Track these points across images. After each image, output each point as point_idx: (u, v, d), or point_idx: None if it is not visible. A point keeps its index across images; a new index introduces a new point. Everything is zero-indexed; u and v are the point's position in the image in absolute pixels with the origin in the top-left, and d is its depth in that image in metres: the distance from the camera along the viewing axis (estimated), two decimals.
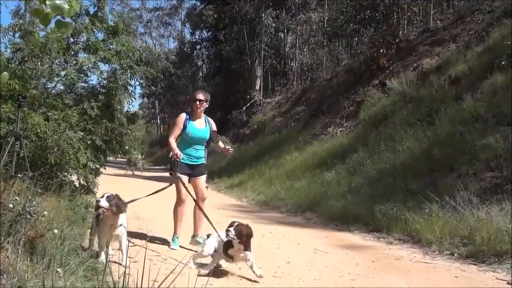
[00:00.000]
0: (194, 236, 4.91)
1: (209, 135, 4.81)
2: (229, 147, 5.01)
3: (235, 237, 3.66)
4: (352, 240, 5.88)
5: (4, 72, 2.09)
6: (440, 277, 4.06)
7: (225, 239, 3.74)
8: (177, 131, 4.73)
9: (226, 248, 3.78)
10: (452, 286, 3.83)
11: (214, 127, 4.89)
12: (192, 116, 4.77)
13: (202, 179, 4.85)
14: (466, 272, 4.22)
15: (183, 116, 4.78)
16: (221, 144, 4.96)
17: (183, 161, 4.66)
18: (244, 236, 3.68)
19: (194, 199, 4.71)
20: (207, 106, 4.83)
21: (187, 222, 5.01)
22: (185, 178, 4.69)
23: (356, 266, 4.33)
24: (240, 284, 3.68)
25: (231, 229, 3.68)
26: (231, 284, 3.65)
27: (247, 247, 3.73)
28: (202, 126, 4.80)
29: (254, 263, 3.76)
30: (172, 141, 4.68)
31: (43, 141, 5.40)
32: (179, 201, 4.80)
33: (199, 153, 4.84)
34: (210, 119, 4.92)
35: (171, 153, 4.64)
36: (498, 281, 3.91)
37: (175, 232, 4.89)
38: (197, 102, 4.70)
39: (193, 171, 4.77)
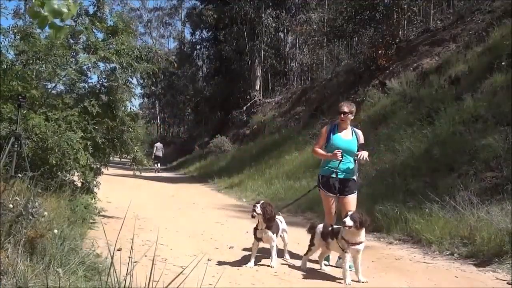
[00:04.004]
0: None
1: (356, 148, 4.51)
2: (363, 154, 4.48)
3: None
4: None
5: None
6: (440, 277, 4.07)
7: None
8: (321, 142, 4.64)
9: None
10: (452, 286, 3.84)
11: (362, 140, 4.63)
12: (338, 127, 4.61)
13: (351, 199, 4.47)
14: (466, 272, 4.22)
15: (327, 127, 4.70)
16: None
17: (327, 174, 4.51)
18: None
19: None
20: (352, 117, 4.63)
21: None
22: (332, 196, 4.53)
23: None
24: (240, 284, 3.68)
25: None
26: (232, 284, 3.65)
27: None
28: (348, 137, 4.56)
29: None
30: (319, 149, 4.62)
31: (43, 142, 5.38)
32: (327, 218, 4.62)
33: (347, 166, 4.50)
34: (358, 130, 4.68)
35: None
36: (498, 281, 3.91)
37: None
38: (342, 115, 4.53)
39: (342, 187, 4.47)
